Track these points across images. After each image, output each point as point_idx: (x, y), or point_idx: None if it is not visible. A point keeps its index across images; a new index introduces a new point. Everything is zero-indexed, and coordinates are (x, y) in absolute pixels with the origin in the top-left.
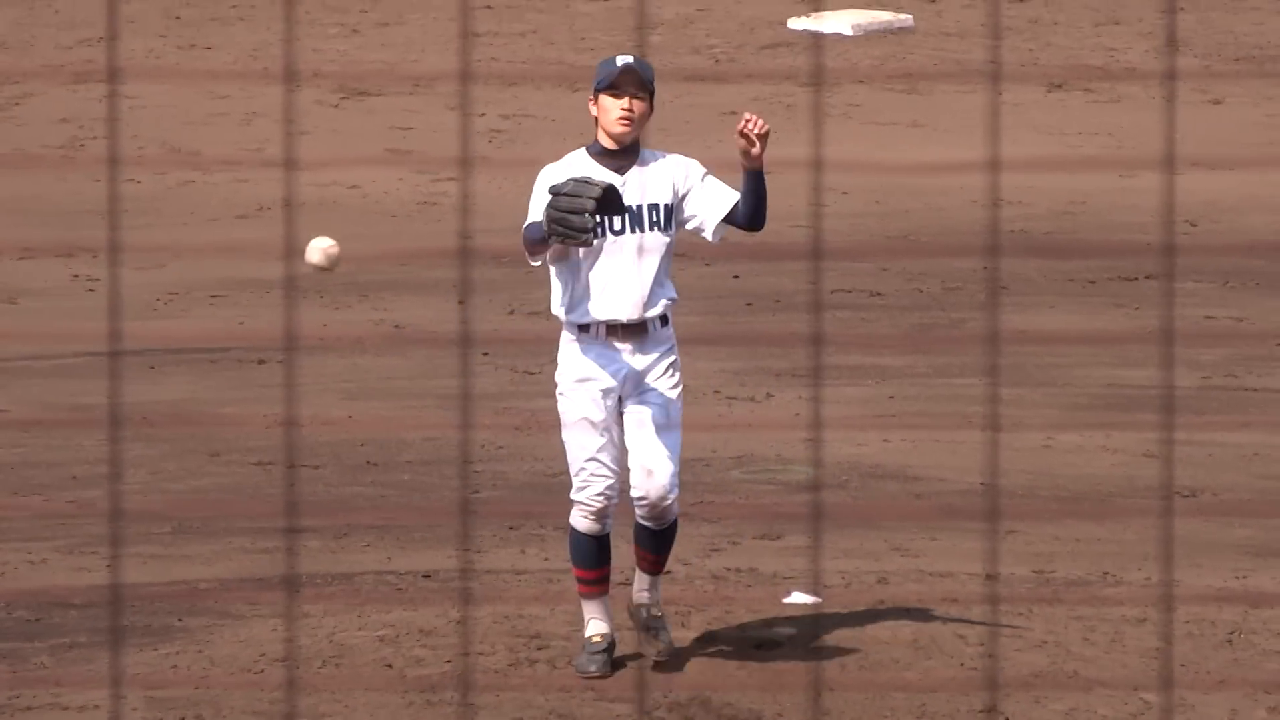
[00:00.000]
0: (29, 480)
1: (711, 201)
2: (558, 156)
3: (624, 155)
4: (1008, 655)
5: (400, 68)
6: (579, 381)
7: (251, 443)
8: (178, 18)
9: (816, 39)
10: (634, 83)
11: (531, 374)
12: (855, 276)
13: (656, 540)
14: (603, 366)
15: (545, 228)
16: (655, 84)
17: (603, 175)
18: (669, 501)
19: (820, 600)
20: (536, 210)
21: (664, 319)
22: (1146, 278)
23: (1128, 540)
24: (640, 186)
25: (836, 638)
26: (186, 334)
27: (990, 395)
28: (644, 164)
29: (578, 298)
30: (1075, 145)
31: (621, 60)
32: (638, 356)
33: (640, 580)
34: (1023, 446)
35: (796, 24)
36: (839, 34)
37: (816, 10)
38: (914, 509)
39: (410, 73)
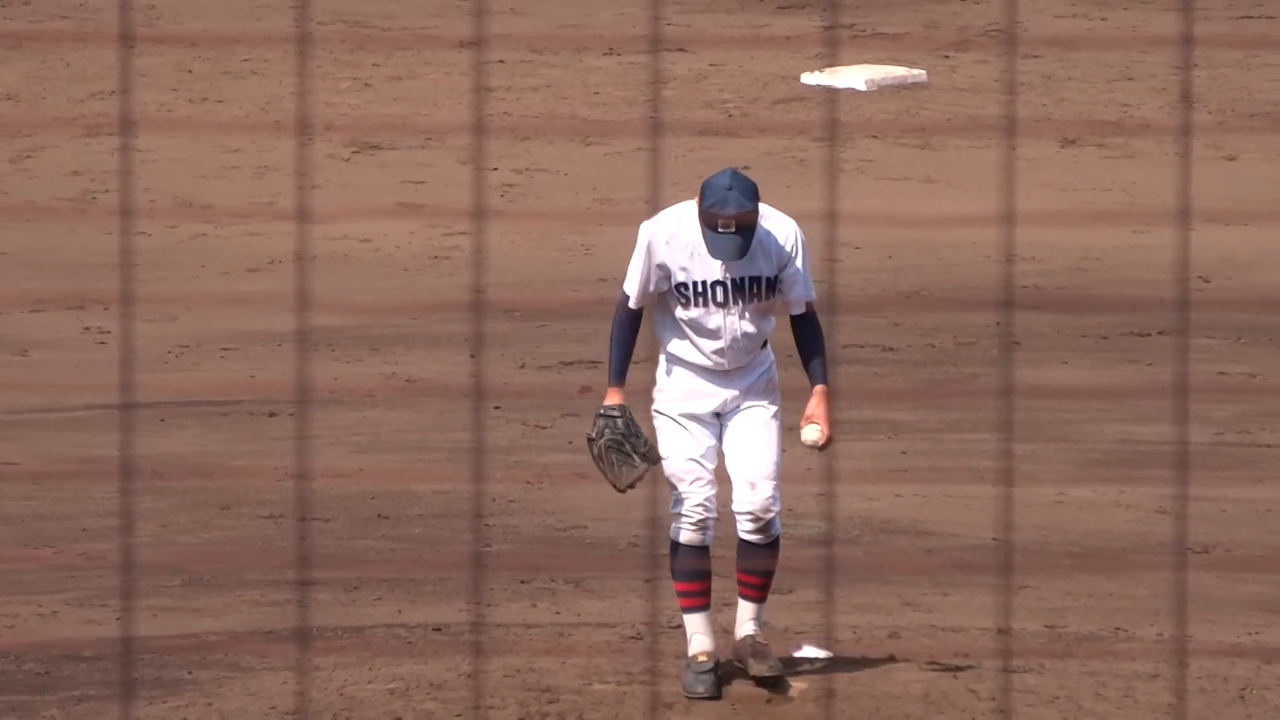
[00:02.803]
0: (39, 532)
1: (791, 292)
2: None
3: None
4: (1020, 710)
5: (413, 121)
6: (676, 399)
7: (262, 495)
8: (190, 71)
9: (830, 94)
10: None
11: (543, 428)
12: (868, 331)
13: (761, 558)
14: (701, 387)
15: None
16: (757, 198)
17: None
18: (772, 515)
19: (832, 654)
20: (633, 282)
21: (764, 343)
22: (1159, 333)
23: (1140, 596)
24: (745, 262)
25: (848, 692)
26: (197, 386)
27: (1003, 450)
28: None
29: (680, 340)
30: (1089, 200)
31: (723, 216)
32: (736, 383)
33: (744, 612)
34: (1035, 501)
35: (810, 79)
36: (853, 89)
37: (831, 65)
38: (926, 563)
39: (423, 126)
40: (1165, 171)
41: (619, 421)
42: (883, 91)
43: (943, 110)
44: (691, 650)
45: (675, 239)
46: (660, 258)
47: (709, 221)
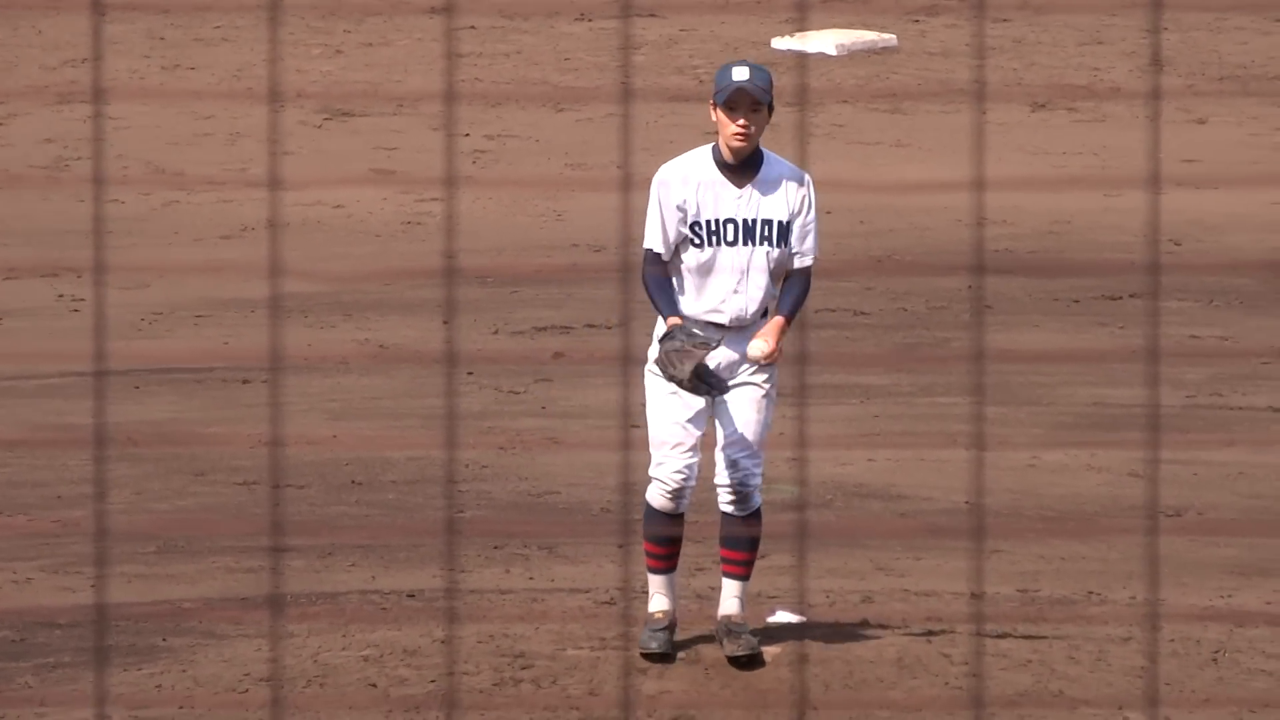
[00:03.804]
0: (13, 500)
1: (804, 243)
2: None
3: (744, 166)
4: (993, 674)
5: (384, 88)
6: None
7: (236, 462)
8: (162, 38)
9: (801, 59)
10: (748, 102)
11: (516, 393)
12: (840, 296)
13: (742, 529)
14: None
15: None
16: (772, 90)
17: (722, 186)
18: (750, 489)
19: (805, 619)
20: (654, 235)
21: (764, 312)
22: (1131, 296)
23: (1112, 559)
24: (757, 202)
25: (821, 657)
26: (171, 354)
27: (975, 414)
28: (764, 179)
29: (682, 292)
30: (1059, 164)
31: (737, 76)
32: (735, 343)
33: (726, 589)
34: (1007, 465)
35: (781, 44)
36: (823, 54)
37: (801, 30)
38: (899, 528)
39: (394, 93)
40: (1136, 135)
41: (679, 338)
42: (853, 56)
43: (913, 75)
44: (650, 608)
45: (688, 177)
46: (675, 196)
47: (724, 75)
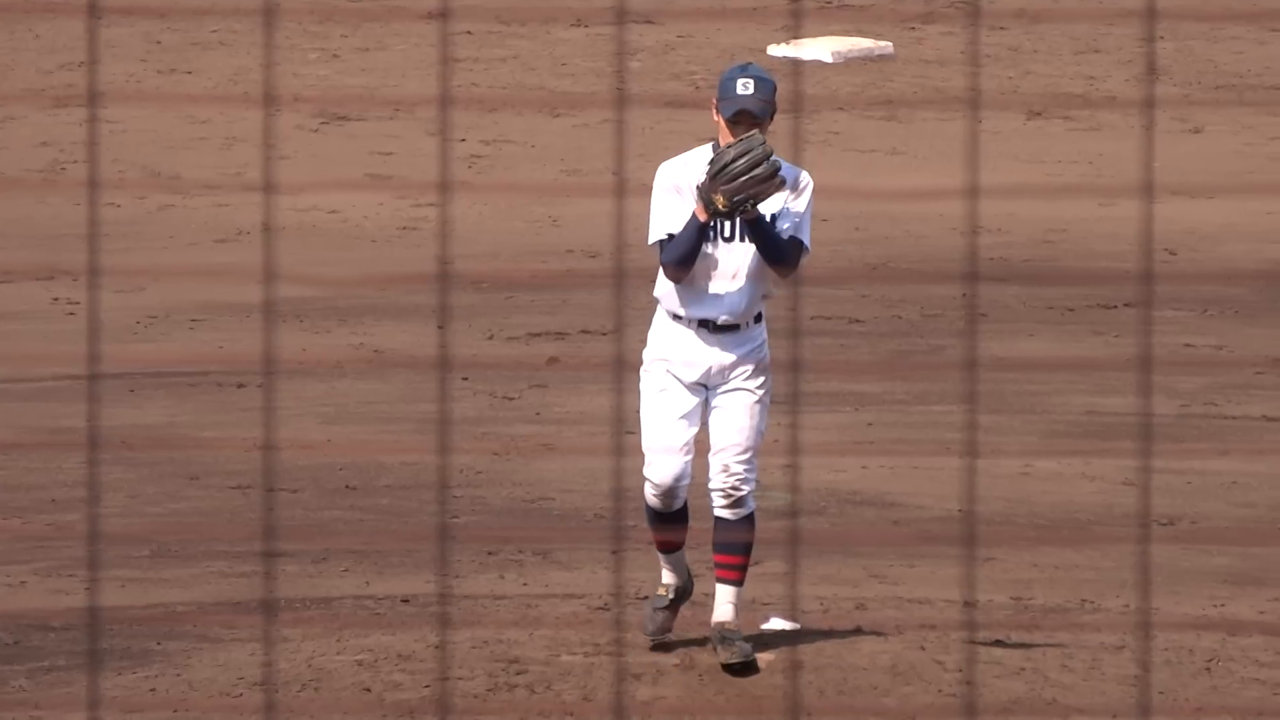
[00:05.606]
0: (7, 503)
1: (781, 223)
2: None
3: None
4: (986, 682)
5: (380, 93)
6: (662, 360)
7: (230, 466)
8: (158, 42)
9: (796, 66)
10: (750, 119)
11: (510, 399)
12: (834, 303)
13: (733, 532)
14: (690, 352)
15: (724, 204)
16: (775, 96)
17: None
18: (743, 493)
19: (798, 626)
20: (662, 222)
21: (758, 316)
22: (1125, 305)
23: (1106, 568)
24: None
25: (815, 664)
26: (166, 357)
27: (968, 422)
28: None
29: (678, 291)
30: (1055, 173)
31: (741, 91)
32: (728, 350)
33: (720, 595)
34: (1001, 473)
35: (776, 51)
36: (819, 61)
37: (796, 37)
38: (892, 535)
39: (390, 98)
40: (1131, 144)
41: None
42: (849, 64)
43: (909, 83)
44: (662, 580)
45: (687, 168)
46: (678, 182)
47: (728, 86)
